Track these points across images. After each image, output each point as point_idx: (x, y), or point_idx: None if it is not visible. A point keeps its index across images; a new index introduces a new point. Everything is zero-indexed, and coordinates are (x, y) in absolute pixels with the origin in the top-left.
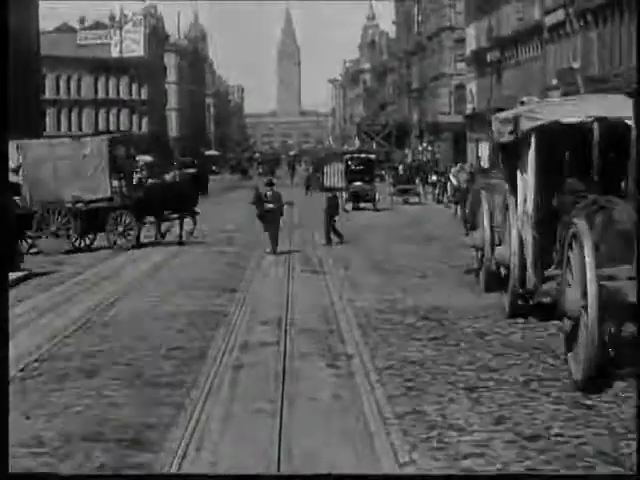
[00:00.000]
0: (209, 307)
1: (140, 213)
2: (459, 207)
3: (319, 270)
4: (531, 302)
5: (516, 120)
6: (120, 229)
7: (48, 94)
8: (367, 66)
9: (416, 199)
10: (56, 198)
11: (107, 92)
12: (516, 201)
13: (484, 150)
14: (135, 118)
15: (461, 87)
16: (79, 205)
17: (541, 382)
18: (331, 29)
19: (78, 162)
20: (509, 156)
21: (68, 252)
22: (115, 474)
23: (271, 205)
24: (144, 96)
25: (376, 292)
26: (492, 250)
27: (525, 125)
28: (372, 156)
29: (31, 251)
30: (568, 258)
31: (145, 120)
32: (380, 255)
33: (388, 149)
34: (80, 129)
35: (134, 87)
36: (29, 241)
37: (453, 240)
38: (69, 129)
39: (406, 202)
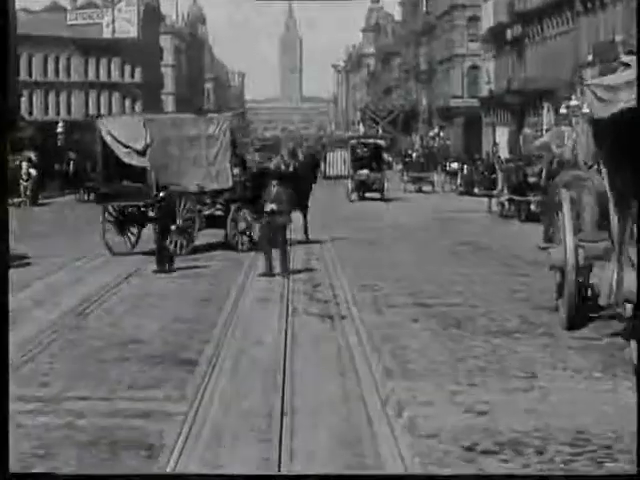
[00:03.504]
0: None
1: (258, 207)
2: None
3: (334, 314)
4: None
5: None
6: (242, 226)
7: (35, 76)
8: (371, 50)
9: (429, 188)
10: (182, 186)
11: (98, 74)
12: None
13: (502, 135)
14: (128, 102)
15: (474, 68)
16: (204, 196)
17: None
18: (334, 12)
19: (203, 144)
20: (617, 140)
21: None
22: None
23: (273, 206)
24: (138, 79)
25: (442, 377)
26: (578, 273)
27: None
28: (380, 142)
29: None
30: None
31: (138, 104)
32: (419, 282)
33: (394, 135)
34: (69, 113)
35: (127, 69)
36: (131, 237)
37: (517, 255)
38: (57, 113)
39: (419, 191)
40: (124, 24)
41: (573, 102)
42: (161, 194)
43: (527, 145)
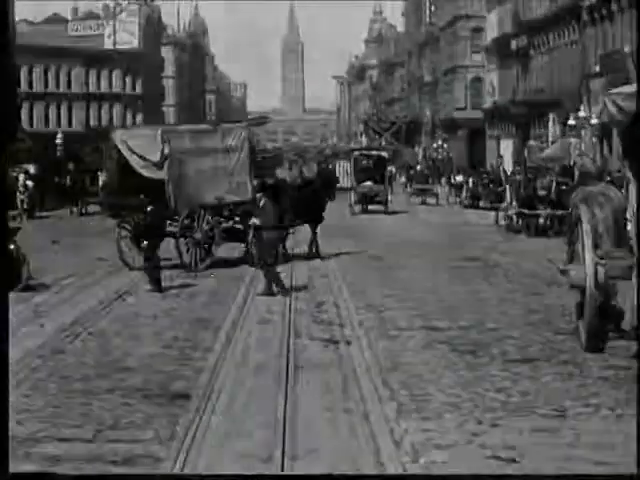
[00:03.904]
0: None
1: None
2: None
3: (339, 337)
4: None
5: None
6: None
7: (36, 87)
8: (374, 61)
9: (434, 200)
10: (200, 200)
11: (99, 86)
12: None
13: (506, 148)
14: (129, 113)
15: (478, 80)
16: (223, 209)
17: None
18: (336, 24)
19: (221, 155)
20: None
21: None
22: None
23: (255, 221)
24: (139, 90)
25: (460, 413)
26: (599, 292)
27: None
28: (383, 153)
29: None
30: None
31: (140, 116)
32: (427, 302)
33: (397, 147)
34: (70, 124)
35: (128, 81)
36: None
37: (531, 271)
38: (58, 124)
39: (423, 203)
40: (125, 35)
41: (582, 113)
42: (148, 209)
43: (532, 157)
